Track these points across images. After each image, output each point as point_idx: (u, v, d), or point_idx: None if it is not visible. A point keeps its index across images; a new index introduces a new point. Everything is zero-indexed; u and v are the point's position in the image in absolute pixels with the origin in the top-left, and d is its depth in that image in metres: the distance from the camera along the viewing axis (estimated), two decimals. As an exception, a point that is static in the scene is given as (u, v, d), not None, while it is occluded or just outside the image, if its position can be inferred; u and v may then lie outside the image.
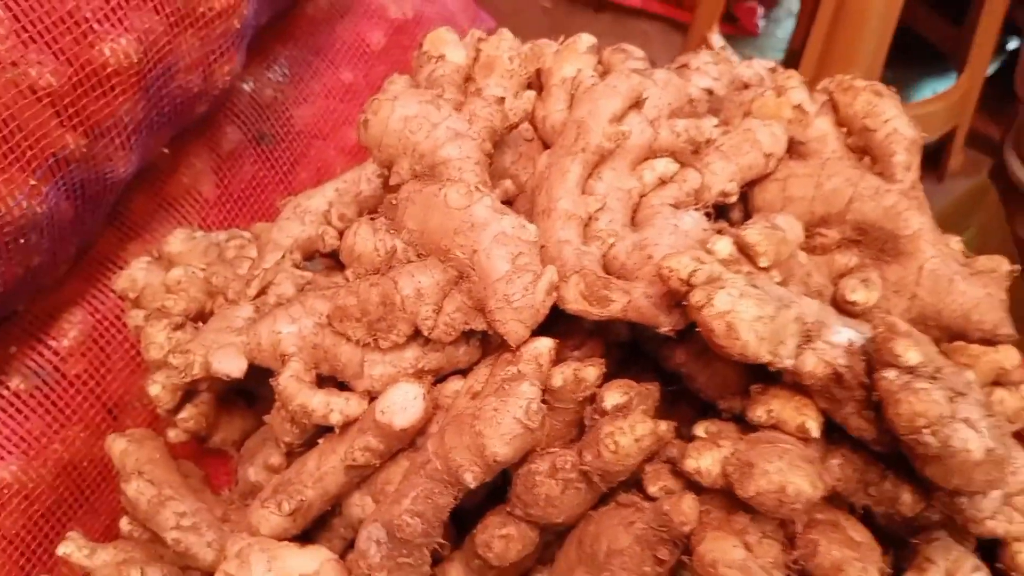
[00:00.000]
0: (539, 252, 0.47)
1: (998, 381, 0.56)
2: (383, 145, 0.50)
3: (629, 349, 0.57)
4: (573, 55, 0.54)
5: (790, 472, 0.41)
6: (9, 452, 0.58)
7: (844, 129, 0.53)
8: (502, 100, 0.50)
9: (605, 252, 0.48)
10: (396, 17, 0.93)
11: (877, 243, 0.50)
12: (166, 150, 0.67)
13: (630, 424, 0.44)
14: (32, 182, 0.52)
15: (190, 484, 0.55)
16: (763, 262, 0.44)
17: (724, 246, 0.44)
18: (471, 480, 0.44)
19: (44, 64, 0.52)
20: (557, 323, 0.51)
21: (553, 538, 0.50)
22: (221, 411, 0.58)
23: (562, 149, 0.49)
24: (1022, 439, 0.57)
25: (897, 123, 0.50)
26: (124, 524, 0.53)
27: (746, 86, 0.58)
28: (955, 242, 0.56)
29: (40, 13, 0.51)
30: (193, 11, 0.60)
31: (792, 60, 1.64)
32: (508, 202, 0.54)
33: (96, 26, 0.54)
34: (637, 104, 0.50)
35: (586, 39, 0.55)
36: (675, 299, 0.43)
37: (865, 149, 0.52)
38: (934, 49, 1.87)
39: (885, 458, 0.45)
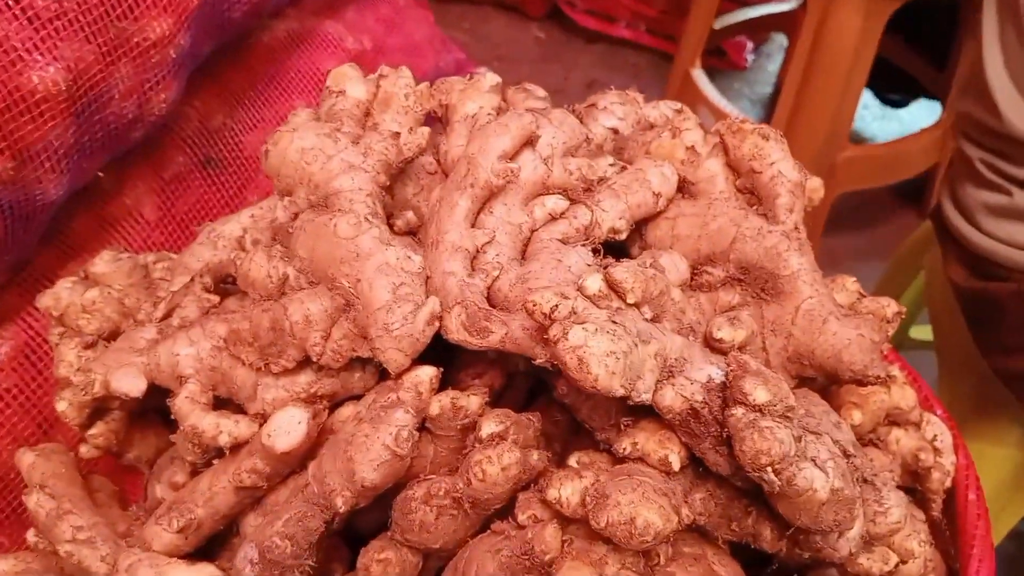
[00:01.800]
0: (424, 283, 0.49)
1: (895, 421, 0.58)
2: (282, 175, 0.52)
3: (536, 380, 0.58)
4: (476, 93, 0.55)
5: (641, 504, 0.42)
6: (-68, 462, 0.60)
7: (733, 171, 0.54)
8: (397, 135, 0.52)
9: (490, 284, 0.50)
10: (353, 48, 0.95)
11: (759, 282, 0.51)
12: (100, 174, 0.69)
13: (497, 453, 0.45)
14: (-47, 203, 0.54)
15: (96, 499, 0.56)
16: (630, 298, 0.45)
17: (593, 282, 0.45)
18: (341, 504, 0.46)
19: (-32, 91, 0.54)
20: (459, 352, 0.52)
21: (444, 564, 0.51)
22: (135, 429, 0.60)
23: (452, 184, 0.51)
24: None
25: (782, 166, 0.52)
26: (30, 536, 0.55)
27: (652, 126, 0.59)
28: (851, 283, 0.57)
29: (-34, 42, 0.54)
30: (127, 41, 0.63)
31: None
32: (411, 233, 0.55)
33: (24, 55, 0.56)
34: (530, 142, 0.52)
35: (490, 78, 0.56)
36: (541, 333, 0.45)
37: (752, 190, 0.53)
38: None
39: (751, 494, 0.46)
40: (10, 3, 0.56)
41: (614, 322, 0.43)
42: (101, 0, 0.60)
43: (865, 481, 0.47)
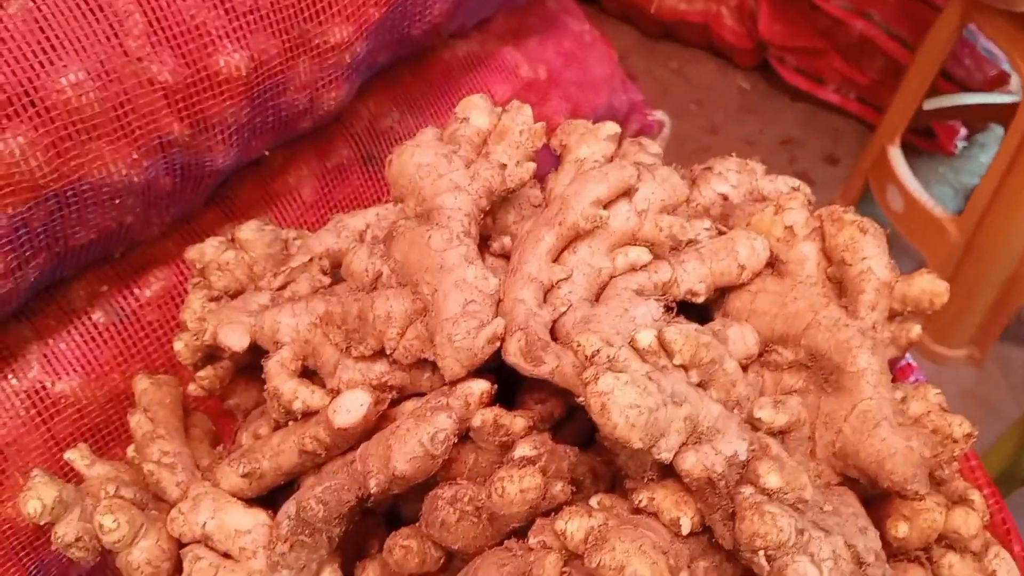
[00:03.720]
0: (495, 305, 0.52)
1: (951, 545, 0.55)
2: (398, 183, 0.57)
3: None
4: (592, 139, 0.58)
5: (636, 555, 0.43)
6: (74, 370, 0.70)
7: (826, 258, 0.54)
8: (504, 166, 0.56)
9: (555, 318, 0.52)
10: (527, 76, 1.00)
11: (824, 372, 0.51)
12: (267, 152, 0.77)
13: (520, 475, 0.48)
14: (135, 156, 0.64)
15: (192, 433, 0.64)
16: (677, 360, 0.47)
17: (645, 337, 0.47)
18: (374, 486, 0.50)
19: (165, 63, 0.63)
20: (527, 378, 0.56)
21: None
22: (240, 380, 0.67)
23: (543, 219, 0.54)
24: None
25: (873, 263, 0.51)
26: (130, 450, 0.63)
27: (764, 198, 0.60)
28: (933, 394, 0.55)
29: (172, 22, 0.63)
30: (309, 42, 0.70)
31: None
32: (505, 256, 0.59)
33: (216, 40, 0.65)
34: (628, 193, 0.54)
35: (610, 127, 0.59)
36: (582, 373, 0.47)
37: (840, 281, 0.53)
38: None
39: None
40: (215, -4, 0.65)
41: (649, 378, 0.44)
42: (293, 2, 0.68)
43: (878, 595, 0.45)
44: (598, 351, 0.45)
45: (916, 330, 0.58)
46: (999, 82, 1.92)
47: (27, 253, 0.62)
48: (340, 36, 0.72)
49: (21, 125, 0.58)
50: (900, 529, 0.51)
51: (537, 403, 0.58)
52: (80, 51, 0.60)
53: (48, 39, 0.59)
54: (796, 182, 0.61)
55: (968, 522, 0.54)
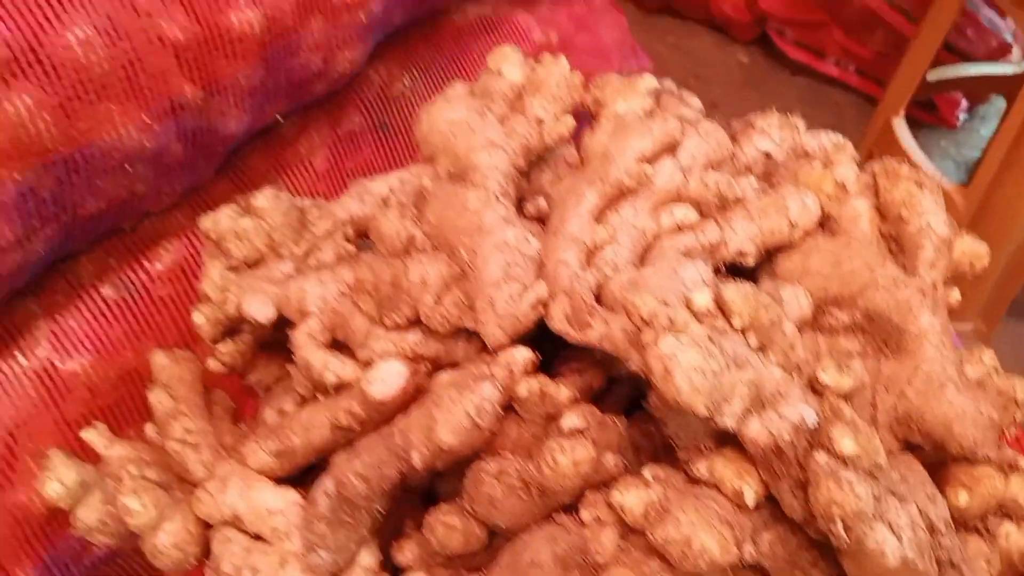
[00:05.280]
0: (537, 268, 0.50)
1: (1009, 513, 0.53)
2: (428, 142, 0.54)
3: (637, 390, 0.58)
4: (631, 92, 0.56)
5: (701, 527, 0.41)
6: (86, 349, 0.67)
7: (880, 215, 0.52)
8: (541, 121, 0.53)
9: (601, 282, 0.50)
10: (539, 40, 0.97)
11: (883, 335, 0.49)
12: (280, 118, 0.74)
13: (571, 446, 0.46)
14: (145, 119, 0.60)
15: (212, 410, 0.61)
16: (736, 322, 0.44)
17: (701, 297, 0.44)
18: (418, 460, 0.48)
19: (175, 20, 0.60)
20: (565, 346, 0.53)
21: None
22: (261, 355, 0.64)
23: (584, 176, 0.51)
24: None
25: (932, 219, 0.49)
26: (149, 428, 0.60)
27: (807, 155, 0.57)
28: (988, 357, 0.53)
29: (182, -23, 0.59)
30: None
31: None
32: (540, 220, 0.56)
33: (229, -4, 0.62)
34: (672, 148, 0.52)
35: (648, 81, 0.56)
36: (637, 337, 0.44)
37: (896, 239, 0.51)
38: None
39: (823, 546, 0.44)
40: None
41: (711, 340, 0.42)
42: (307, -42, 0.65)
43: (952, 565, 0.43)
44: (655, 312, 0.43)
45: (955, 295, 0.56)
46: (1001, 53, 1.91)
47: (34, 223, 0.59)
48: (355, -6, 0.69)
49: (27, 84, 0.55)
50: (961, 498, 0.49)
51: (575, 373, 0.55)
52: (87, 5, 0.57)
53: (52, -7, 0.56)
54: (839, 138, 0.59)
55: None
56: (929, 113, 2.00)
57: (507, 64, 0.56)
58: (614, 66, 1.12)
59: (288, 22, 0.66)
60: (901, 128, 1.66)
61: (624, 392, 0.58)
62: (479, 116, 0.53)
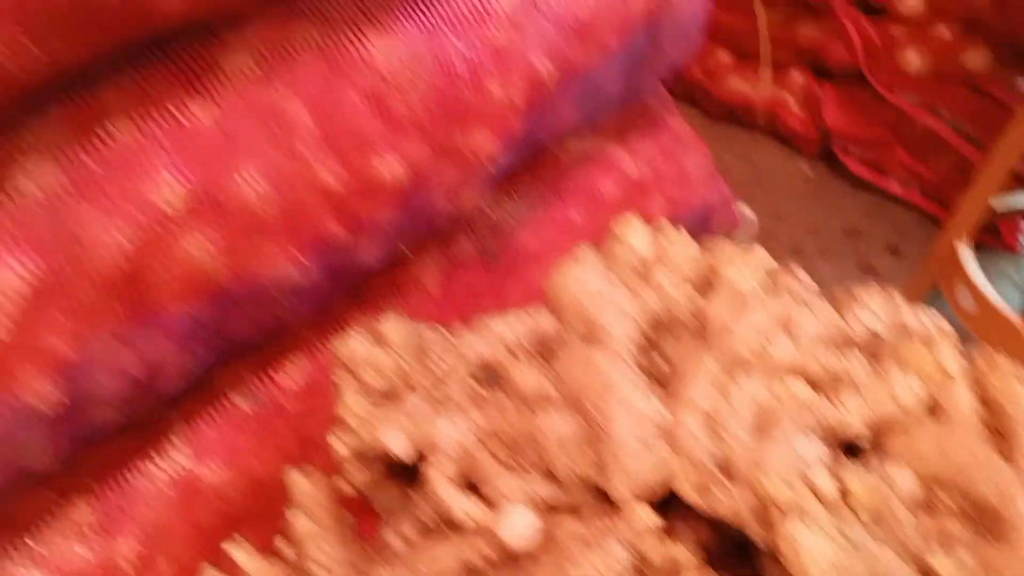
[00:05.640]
0: (659, 430, 0.54)
1: None
2: (558, 299, 0.60)
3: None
4: (746, 265, 0.61)
5: None
6: (217, 455, 0.72)
7: (982, 402, 0.55)
8: (665, 292, 0.58)
9: (723, 450, 0.54)
10: (630, 172, 1.03)
11: (985, 520, 0.52)
12: (407, 251, 0.81)
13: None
14: (299, 256, 0.67)
15: (344, 533, 0.66)
16: (862, 515, 0.48)
17: (825, 482, 0.49)
18: (547, 608, 0.52)
19: (328, 166, 0.66)
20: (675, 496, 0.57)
21: None
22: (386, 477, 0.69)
23: (704, 344, 0.56)
24: None
25: (1034, 414, 0.53)
26: (279, 542, 0.65)
27: (907, 332, 0.62)
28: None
29: (337, 129, 0.66)
30: (455, 147, 0.74)
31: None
32: (659, 382, 0.61)
33: (377, 147, 0.69)
34: (787, 324, 0.57)
35: (760, 255, 0.61)
36: (764, 514, 0.48)
37: (997, 428, 0.54)
38: None
39: None
40: (368, 103, 0.68)
41: (840, 532, 0.46)
42: (444, 115, 0.72)
43: None
44: (783, 496, 0.47)
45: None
46: (1065, 180, 1.94)
47: (194, 346, 0.65)
48: (486, 148, 0.75)
49: (204, 226, 0.62)
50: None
51: (689, 529, 0.59)
52: (254, 150, 0.64)
53: (230, 140, 0.62)
54: (940, 320, 0.63)
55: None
56: (992, 237, 2.03)
57: (633, 234, 0.61)
58: (699, 194, 1.17)
59: (427, 172, 0.72)
60: (966, 254, 1.69)
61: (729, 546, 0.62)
62: (608, 283, 0.58)
